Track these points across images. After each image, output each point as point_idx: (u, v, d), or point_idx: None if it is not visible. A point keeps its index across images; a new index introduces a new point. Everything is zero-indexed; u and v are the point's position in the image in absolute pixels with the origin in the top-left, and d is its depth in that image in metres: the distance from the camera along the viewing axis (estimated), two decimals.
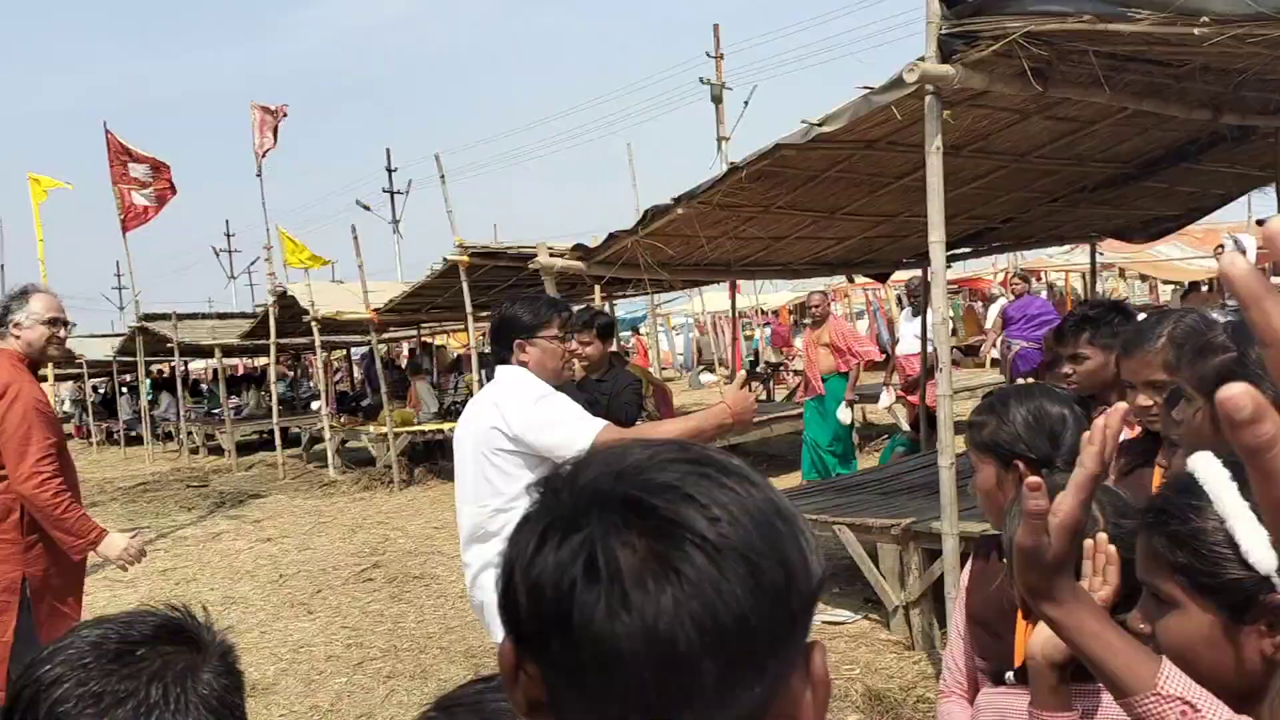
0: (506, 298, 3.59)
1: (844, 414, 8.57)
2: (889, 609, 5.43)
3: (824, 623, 5.65)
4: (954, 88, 4.22)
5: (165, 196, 15.18)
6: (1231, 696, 1.02)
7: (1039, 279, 21.16)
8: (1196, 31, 3.53)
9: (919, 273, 8.78)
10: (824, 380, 8.67)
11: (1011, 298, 9.97)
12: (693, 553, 0.61)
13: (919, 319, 9.11)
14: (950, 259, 8.48)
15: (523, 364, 3.27)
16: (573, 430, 3.01)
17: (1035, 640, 1.44)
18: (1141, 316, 2.87)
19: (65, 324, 3.90)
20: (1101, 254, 10.69)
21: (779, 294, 25.17)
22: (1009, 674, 1.67)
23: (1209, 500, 1.08)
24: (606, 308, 11.01)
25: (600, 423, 3.07)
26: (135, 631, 0.99)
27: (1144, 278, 21.83)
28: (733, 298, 13.38)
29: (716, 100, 21.47)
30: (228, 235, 47.39)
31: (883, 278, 9.18)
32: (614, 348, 5.52)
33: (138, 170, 14.86)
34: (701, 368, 21.71)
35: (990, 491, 1.86)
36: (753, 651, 0.63)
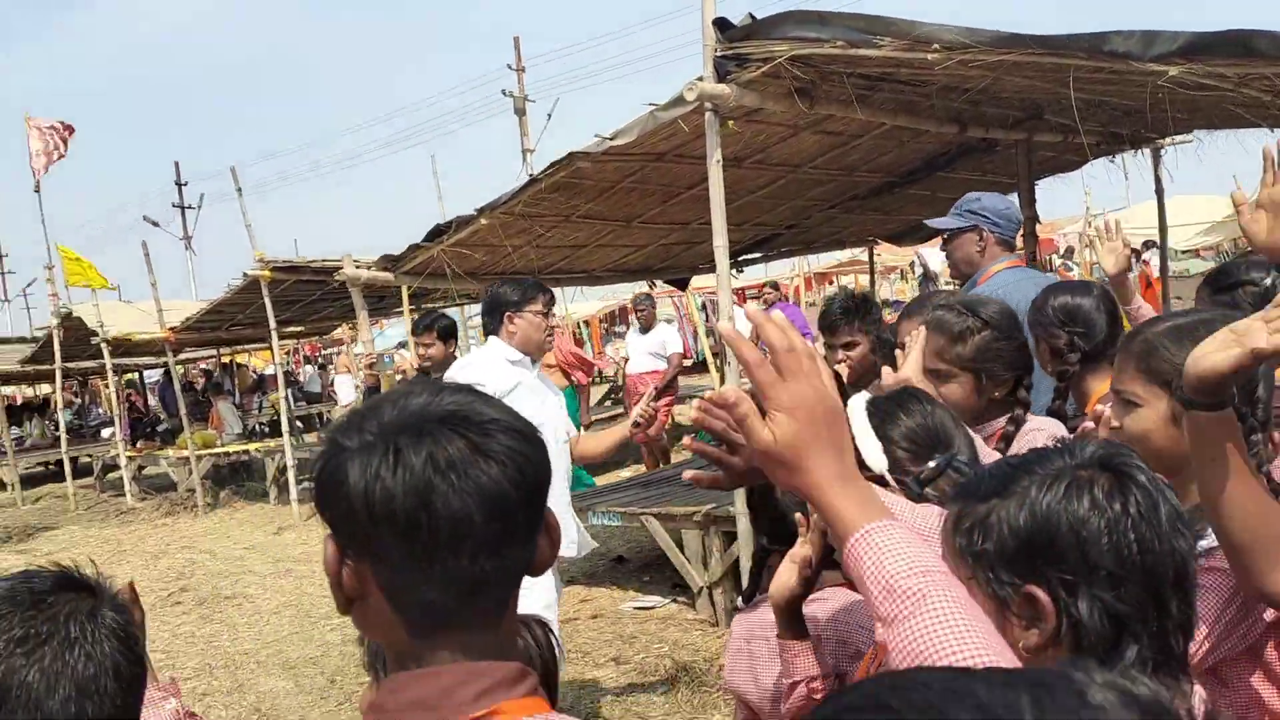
0: (497, 280, 4.09)
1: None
2: (694, 590, 5.80)
3: (636, 609, 5.97)
4: (730, 105, 4.62)
5: None
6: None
7: (831, 281, 22.46)
8: (930, 57, 4.05)
9: (715, 279, 9.25)
10: None
11: (763, 306, 10.44)
12: (498, 436, 0.91)
13: (648, 335, 9.72)
14: (742, 263, 9.05)
15: (510, 334, 3.78)
16: None
17: (773, 584, 1.56)
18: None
19: None
20: (879, 255, 11.54)
21: (589, 303, 25.65)
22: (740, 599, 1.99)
23: None
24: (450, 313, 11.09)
25: None
26: (38, 583, 1.14)
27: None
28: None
29: (520, 113, 21.72)
30: (0, 256, 43.84)
31: (682, 284, 9.64)
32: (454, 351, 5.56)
33: None
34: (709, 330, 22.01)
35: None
36: (537, 505, 0.94)
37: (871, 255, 10.23)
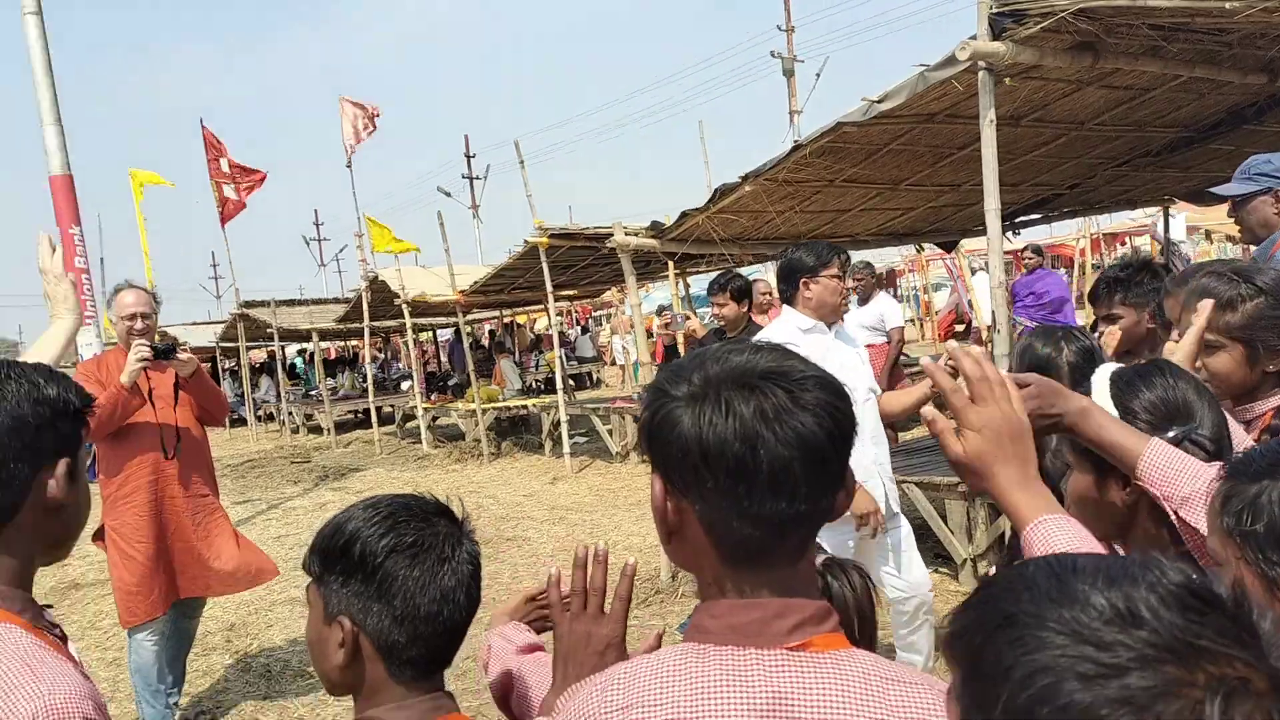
0: (792, 245, 4.15)
1: None
2: (958, 562, 5.70)
3: None
4: (1005, 63, 4.44)
5: (253, 188, 15.97)
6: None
7: (1123, 243, 20.83)
8: (1229, 4, 3.72)
9: (963, 245, 8.80)
10: None
11: (1023, 272, 9.16)
12: (813, 390, 1.01)
13: (865, 308, 8.29)
14: (1019, 225, 8.64)
15: (806, 300, 3.83)
16: None
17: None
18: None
19: (143, 316, 4.19)
20: (1174, 216, 10.59)
21: (1176, 219, 24.79)
22: None
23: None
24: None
25: None
26: (427, 505, 1.39)
27: (1232, 239, 21.30)
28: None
29: (788, 74, 21.53)
30: (317, 224, 48.89)
31: (949, 246, 9.32)
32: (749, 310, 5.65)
33: (230, 166, 15.67)
34: (915, 367, 21.91)
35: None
36: (845, 456, 1.04)
37: (1166, 216, 9.45)
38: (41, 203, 8.10)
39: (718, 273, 6.84)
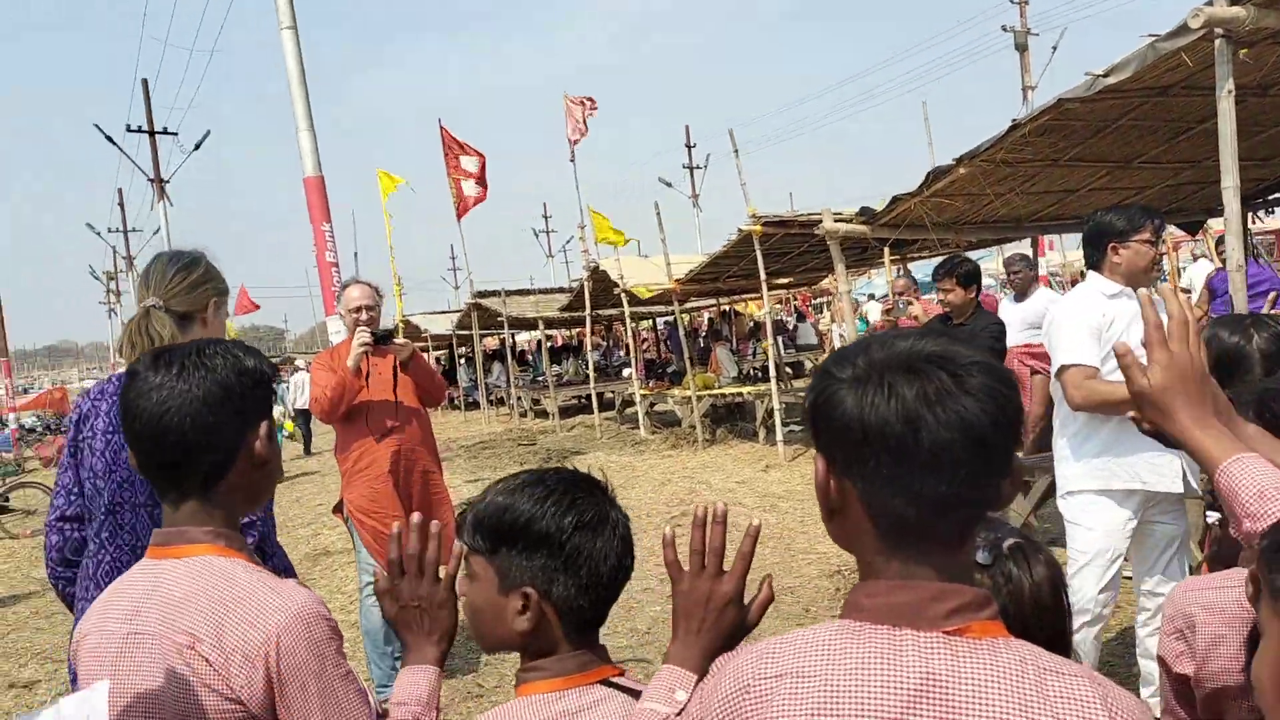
0: (1102, 208, 4.14)
1: None
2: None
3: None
4: (1245, 29, 4.11)
5: (482, 192, 16.86)
6: None
7: None
8: None
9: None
10: None
11: (1220, 264, 8.25)
12: (977, 376, 1.03)
13: (1024, 303, 7.30)
14: (1272, 204, 7.90)
15: (1115, 265, 3.69)
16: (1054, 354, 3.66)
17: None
18: None
19: (367, 309, 4.56)
20: None
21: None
22: None
23: None
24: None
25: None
26: (588, 480, 1.51)
27: None
28: (1035, 256, 12.92)
29: (1020, 48, 20.49)
30: (545, 217, 50.92)
31: (1193, 228, 8.62)
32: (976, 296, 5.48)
33: (469, 163, 16.60)
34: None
35: None
36: (1009, 442, 1.04)
37: None
38: (299, 202, 8.90)
39: (943, 258, 6.62)
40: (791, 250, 11.54)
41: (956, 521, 1.05)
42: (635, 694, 1.39)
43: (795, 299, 27.47)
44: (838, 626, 1.07)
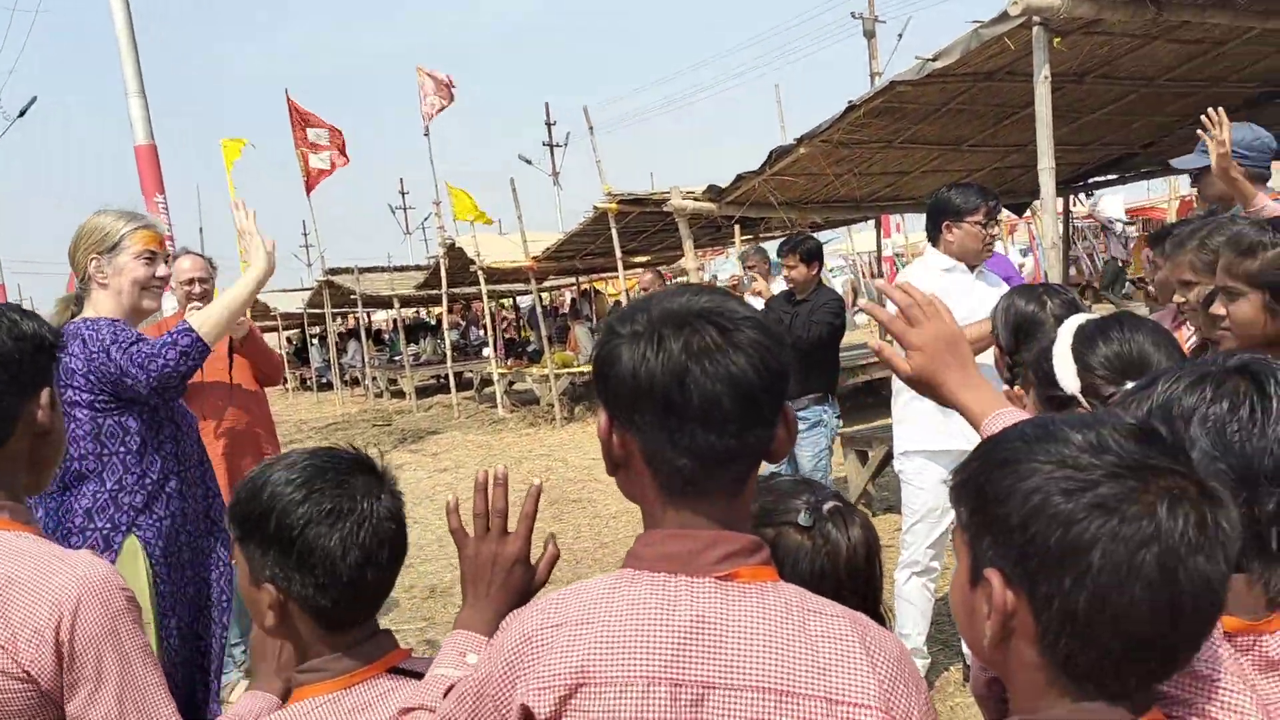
0: (945, 184, 4.12)
1: None
2: None
3: None
4: (1061, 18, 4.33)
5: (338, 162, 16.32)
6: None
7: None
8: None
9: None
10: None
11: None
12: (746, 331, 1.06)
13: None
14: (1091, 186, 8.41)
15: (948, 243, 3.80)
16: None
17: None
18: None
19: (200, 281, 4.35)
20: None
21: (1107, 198, 24.15)
22: None
23: None
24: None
25: None
26: (342, 464, 1.42)
27: None
28: (878, 237, 13.38)
29: (869, 35, 21.12)
30: (402, 193, 49.75)
31: (1019, 209, 9.10)
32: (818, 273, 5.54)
33: (316, 135, 16.05)
34: (857, 309, 21.67)
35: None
36: (782, 393, 1.09)
37: None
38: (128, 172, 8.44)
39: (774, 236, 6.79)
40: (648, 229, 11.64)
41: (731, 472, 1.09)
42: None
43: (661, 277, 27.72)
44: (617, 576, 1.10)
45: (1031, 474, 0.88)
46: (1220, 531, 0.85)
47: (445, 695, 1.20)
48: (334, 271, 18.82)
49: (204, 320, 2.64)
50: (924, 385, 1.45)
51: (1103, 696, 0.89)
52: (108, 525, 2.54)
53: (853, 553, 1.34)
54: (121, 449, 2.58)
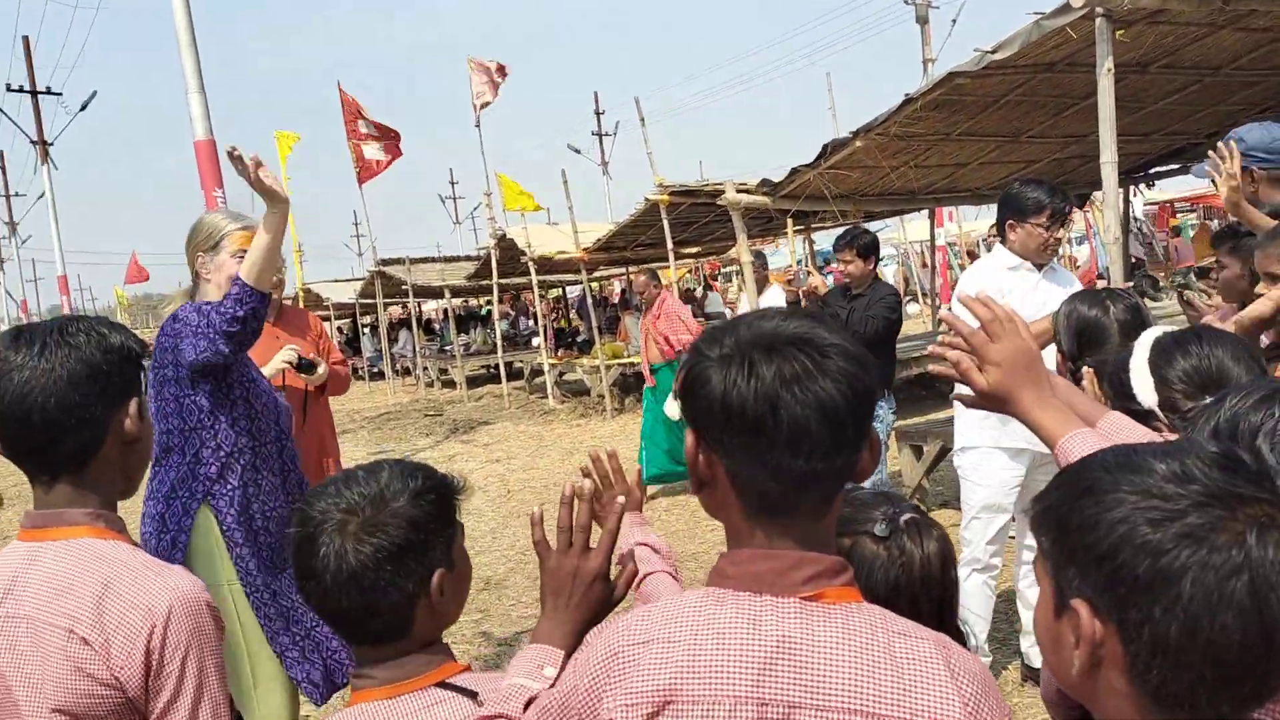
0: (1021, 178, 4.12)
1: (671, 408, 7.51)
2: None
3: None
4: (1125, 8, 4.26)
5: (394, 152, 16.45)
6: None
7: None
8: None
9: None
10: (654, 370, 8.11)
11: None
12: (834, 358, 1.08)
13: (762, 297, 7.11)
14: (1154, 176, 8.25)
15: (1011, 242, 3.86)
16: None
17: None
18: None
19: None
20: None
21: (985, 221, 24.29)
22: None
23: None
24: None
25: None
26: (366, 475, 1.46)
27: None
28: (932, 227, 13.25)
29: (922, 21, 20.84)
30: (452, 183, 50.17)
31: (1080, 200, 8.95)
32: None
33: (368, 127, 16.20)
34: (908, 298, 21.45)
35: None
36: (863, 420, 1.10)
37: None
38: (188, 168, 8.62)
39: (844, 228, 6.72)
40: (698, 220, 11.62)
41: (817, 494, 1.10)
42: (475, 693, 1.39)
43: (704, 267, 27.68)
44: (703, 594, 1.12)
45: (1117, 504, 0.89)
46: None
47: (526, 708, 1.23)
48: (386, 262, 19.03)
49: (246, 270, 2.73)
50: (998, 401, 1.45)
51: None
52: (187, 494, 2.79)
53: (927, 564, 1.36)
54: (197, 424, 2.80)
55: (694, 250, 15.19)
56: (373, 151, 16.89)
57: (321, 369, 4.40)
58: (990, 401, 1.45)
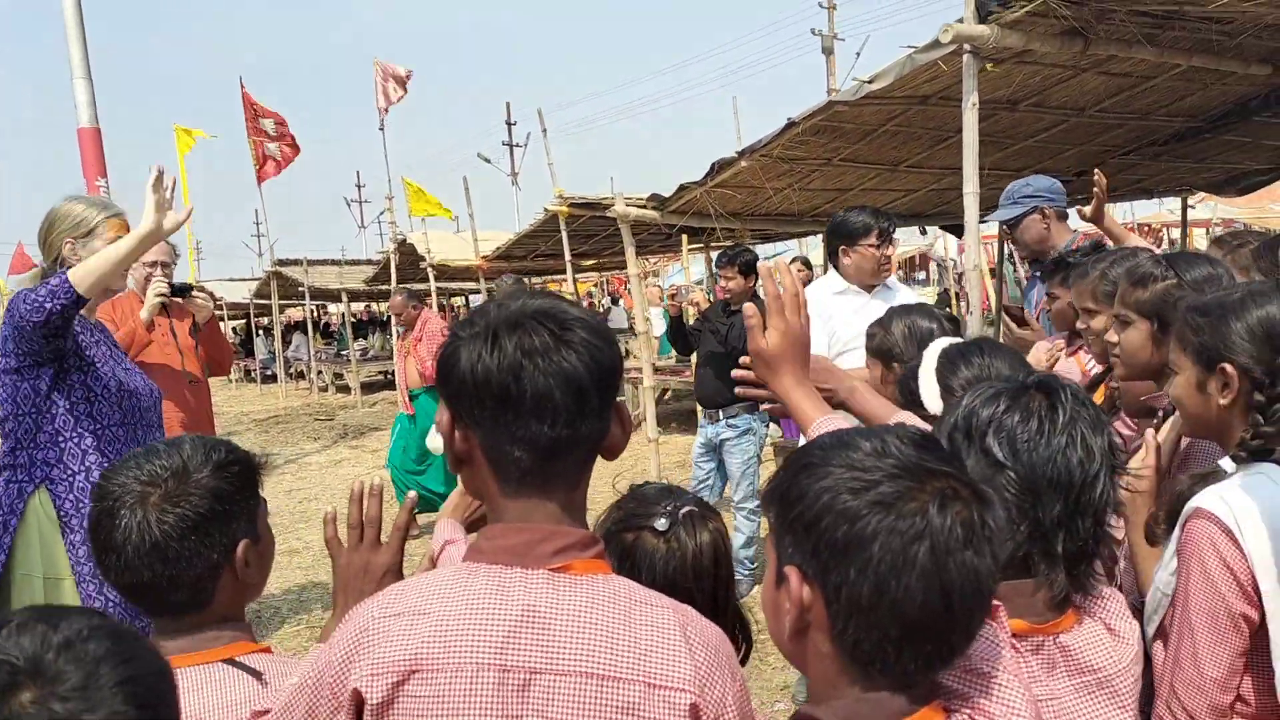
0: (847, 207, 4.28)
1: (433, 441, 7.17)
2: None
3: None
4: (990, 47, 4.45)
5: (288, 153, 16.16)
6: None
7: (1157, 235, 20.49)
8: None
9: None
10: (413, 397, 7.74)
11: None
12: (577, 331, 1.15)
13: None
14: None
15: (844, 266, 4.01)
16: None
17: None
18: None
19: (163, 265, 4.37)
20: (1192, 206, 10.49)
21: (941, 239, 24.62)
22: None
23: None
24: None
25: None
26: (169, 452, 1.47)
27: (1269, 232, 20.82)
28: (824, 252, 13.58)
29: (827, 52, 21.38)
30: (358, 186, 49.33)
31: (958, 230, 9.28)
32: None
33: (268, 124, 15.89)
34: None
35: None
36: (611, 388, 1.16)
37: (1185, 206, 9.37)
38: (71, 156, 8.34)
39: (726, 246, 6.87)
40: (599, 232, 11.67)
41: (567, 463, 1.16)
42: (260, 673, 1.41)
43: (610, 281, 27.79)
44: (457, 568, 1.17)
45: (825, 476, 0.98)
46: (987, 529, 0.94)
47: None
48: (283, 262, 18.64)
49: (81, 269, 2.72)
50: (765, 367, 1.53)
51: (886, 685, 0.96)
52: (25, 476, 2.78)
53: (699, 554, 1.42)
54: (33, 408, 2.78)
55: (593, 263, 15.26)
56: (271, 150, 16.58)
57: (199, 295, 4.38)
58: (759, 365, 1.52)
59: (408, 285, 16.53)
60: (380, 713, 1.08)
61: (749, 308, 1.50)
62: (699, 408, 6.18)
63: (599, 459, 1.23)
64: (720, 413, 5.66)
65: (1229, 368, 1.62)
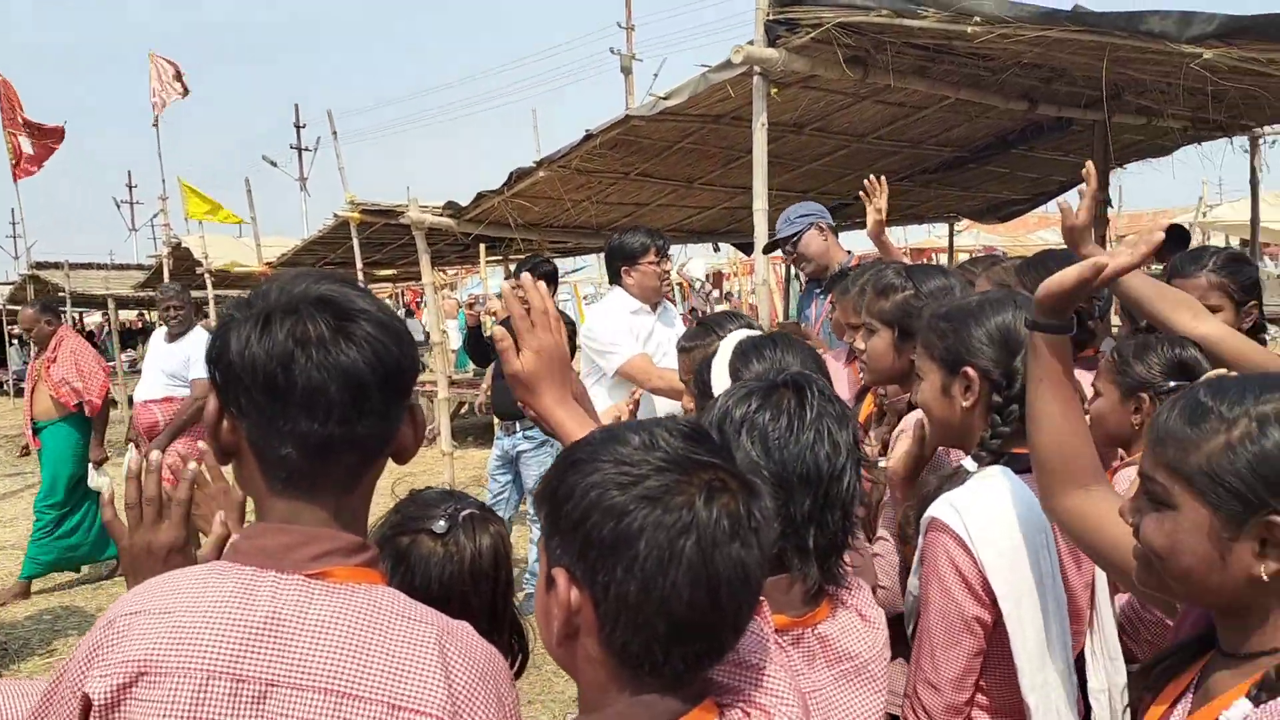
0: (619, 229, 4.19)
1: (95, 479, 6.62)
2: None
3: None
4: (778, 71, 4.63)
5: (49, 148, 14.92)
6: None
7: (930, 259, 21.98)
8: (970, 29, 4.02)
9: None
10: (41, 429, 6.62)
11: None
12: (363, 325, 1.06)
13: (177, 344, 6.71)
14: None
15: (629, 285, 4.02)
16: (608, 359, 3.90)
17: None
18: None
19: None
20: (959, 232, 11.32)
21: (694, 261, 25.36)
22: None
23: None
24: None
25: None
26: None
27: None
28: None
29: (626, 71, 21.76)
30: (129, 187, 46.05)
31: (748, 249, 9.62)
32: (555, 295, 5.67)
33: (25, 122, 14.58)
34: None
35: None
36: (398, 389, 1.09)
37: (951, 232, 10.07)
38: None
39: (525, 257, 6.86)
40: (392, 241, 11.36)
41: (340, 464, 1.09)
42: None
43: (405, 294, 27.11)
44: (209, 567, 1.09)
45: (594, 472, 0.94)
46: (754, 520, 0.93)
47: None
48: (41, 265, 17.15)
49: None
50: (524, 388, 1.41)
51: (657, 688, 0.94)
52: None
53: (478, 558, 1.37)
54: None
55: (389, 273, 14.85)
56: (29, 145, 15.23)
57: None
58: (518, 388, 1.42)
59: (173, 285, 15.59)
60: (105, 714, 1.00)
61: (498, 331, 1.40)
62: (495, 419, 6.10)
63: (390, 462, 1.16)
64: (517, 424, 5.59)
65: (971, 370, 1.73)
